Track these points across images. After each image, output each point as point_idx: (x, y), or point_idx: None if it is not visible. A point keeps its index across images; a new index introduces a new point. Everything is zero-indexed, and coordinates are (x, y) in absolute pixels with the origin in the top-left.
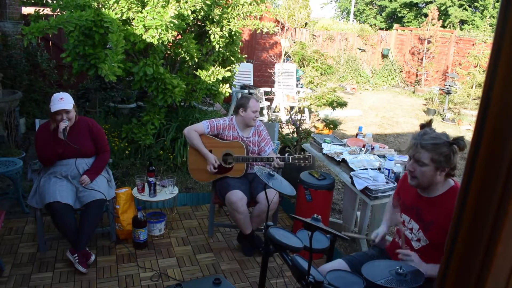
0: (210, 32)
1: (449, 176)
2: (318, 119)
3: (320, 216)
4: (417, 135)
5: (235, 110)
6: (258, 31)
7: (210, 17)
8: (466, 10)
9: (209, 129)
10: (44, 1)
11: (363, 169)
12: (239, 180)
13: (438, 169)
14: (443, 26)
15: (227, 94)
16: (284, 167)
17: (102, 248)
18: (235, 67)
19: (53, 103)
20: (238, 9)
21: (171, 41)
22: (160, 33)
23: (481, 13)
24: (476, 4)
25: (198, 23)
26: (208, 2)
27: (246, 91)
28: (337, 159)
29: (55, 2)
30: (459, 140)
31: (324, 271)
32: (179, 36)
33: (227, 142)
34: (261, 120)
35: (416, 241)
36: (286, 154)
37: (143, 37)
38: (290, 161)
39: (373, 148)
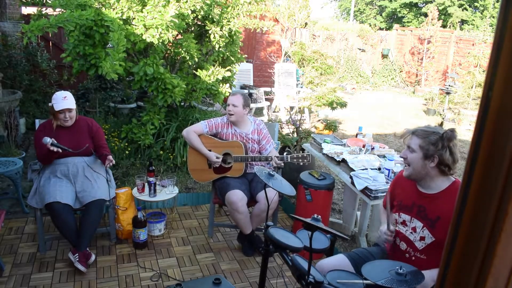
0: (210, 32)
1: (444, 173)
2: (318, 120)
3: (320, 216)
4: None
5: None
6: (258, 30)
7: (210, 16)
8: (466, 10)
9: (207, 129)
10: (44, 1)
11: (363, 169)
12: (239, 180)
13: (427, 157)
14: (443, 26)
15: (227, 94)
16: (284, 167)
17: (102, 248)
18: (235, 67)
19: (56, 102)
20: (238, 9)
21: (171, 40)
22: (160, 32)
23: (481, 13)
24: (476, 4)
25: (198, 22)
26: (208, 2)
27: (246, 91)
28: (337, 159)
29: (56, 0)
30: (447, 131)
31: (324, 266)
32: (179, 36)
33: (226, 142)
34: (262, 120)
35: (419, 240)
36: (285, 154)
37: (144, 36)
38: (289, 160)
39: (373, 148)
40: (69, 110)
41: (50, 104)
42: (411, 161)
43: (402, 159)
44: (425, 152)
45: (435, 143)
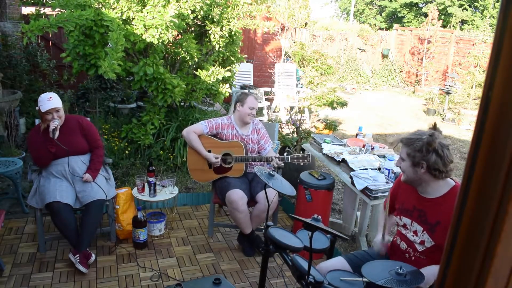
0: (210, 32)
1: (437, 177)
2: (318, 120)
3: (320, 216)
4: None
5: (234, 106)
6: (259, 30)
7: (210, 16)
8: (466, 10)
9: (208, 129)
10: (44, 1)
11: (363, 169)
12: (239, 179)
13: (415, 165)
14: (443, 26)
15: (227, 94)
16: (284, 167)
17: (102, 248)
18: (235, 67)
19: (42, 103)
20: (238, 9)
21: (171, 40)
22: (160, 32)
23: (481, 13)
24: (476, 4)
25: (198, 23)
26: (208, 2)
27: (246, 91)
28: (337, 159)
29: (55, 1)
30: (427, 135)
31: (324, 269)
32: (179, 36)
33: (226, 142)
34: (261, 120)
35: (419, 243)
36: (285, 154)
37: (143, 36)
38: (289, 161)
39: (373, 148)
40: (56, 110)
41: (37, 108)
42: (403, 170)
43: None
44: (412, 160)
45: (420, 150)
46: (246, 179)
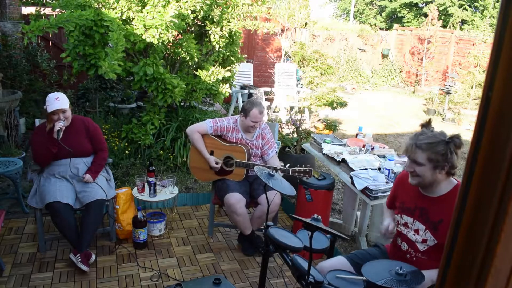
0: (210, 32)
1: (450, 175)
2: (318, 120)
3: (320, 216)
4: (413, 136)
5: (239, 112)
6: (258, 31)
7: (210, 17)
8: (466, 10)
9: (212, 131)
10: (44, 1)
11: (363, 169)
12: (239, 182)
13: (437, 167)
14: (443, 26)
15: (227, 94)
16: (284, 166)
17: (102, 248)
18: (235, 67)
19: (49, 103)
20: (238, 10)
21: (171, 41)
22: (160, 32)
23: (481, 13)
24: (476, 4)
25: (198, 23)
26: (208, 2)
27: (246, 91)
28: (337, 159)
29: (55, 1)
30: (454, 138)
31: (324, 268)
32: (179, 36)
33: (230, 146)
34: (266, 123)
35: (421, 242)
36: (287, 165)
37: (143, 36)
38: (290, 174)
39: (373, 148)
40: (63, 111)
41: (44, 107)
42: (420, 174)
43: (409, 172)
44: (436, 164)
45: (445, 153)
46: (246, 181)
